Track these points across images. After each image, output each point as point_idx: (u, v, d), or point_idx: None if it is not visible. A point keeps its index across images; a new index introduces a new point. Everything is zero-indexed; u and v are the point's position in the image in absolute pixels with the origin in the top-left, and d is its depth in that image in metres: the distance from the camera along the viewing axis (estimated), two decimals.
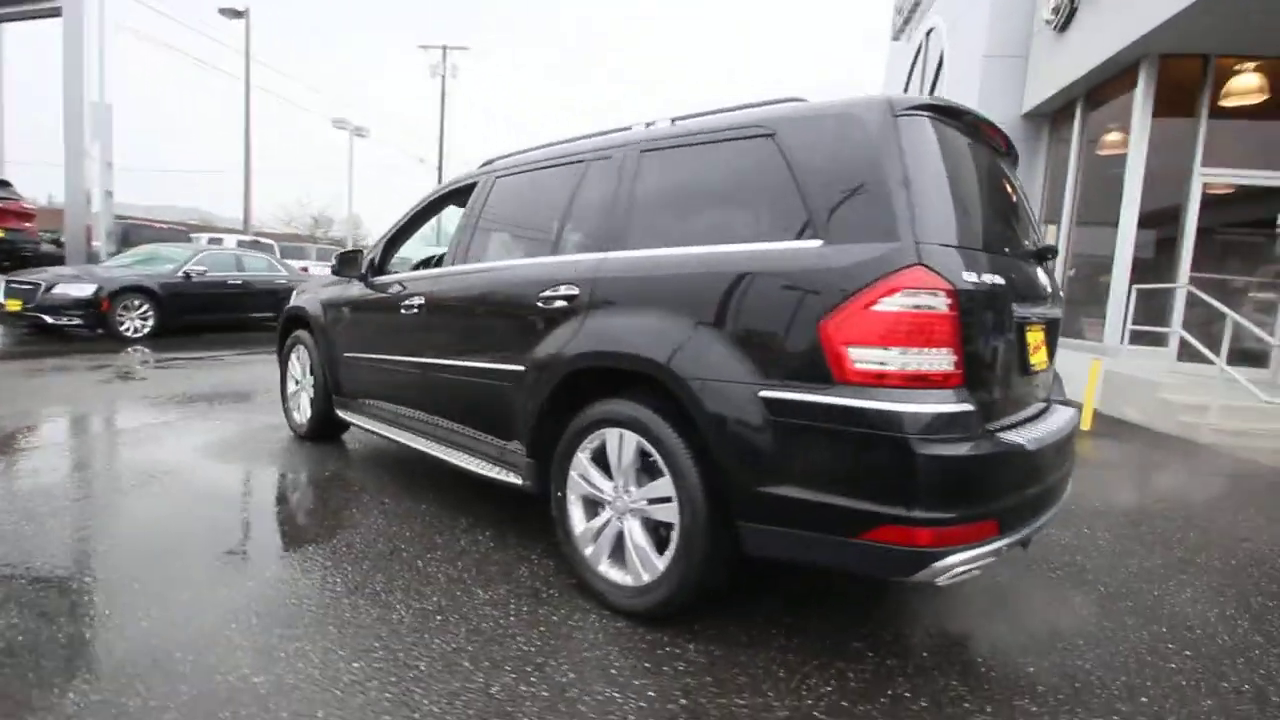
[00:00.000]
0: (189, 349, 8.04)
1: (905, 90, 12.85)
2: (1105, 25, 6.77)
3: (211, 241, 14.54)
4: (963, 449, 1.58)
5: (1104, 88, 7.29)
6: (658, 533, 2.07)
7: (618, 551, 2.18)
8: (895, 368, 1.61)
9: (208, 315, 9.83)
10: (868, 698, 1.77)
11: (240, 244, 14.49)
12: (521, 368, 2.46)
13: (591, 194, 2.47)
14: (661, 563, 2.01)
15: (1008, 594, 2.46)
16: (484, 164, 3.23)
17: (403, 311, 3.14)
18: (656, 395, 2.06)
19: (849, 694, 1.78)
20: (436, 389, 2.97)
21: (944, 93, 10.00)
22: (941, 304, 1.60)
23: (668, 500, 2.00)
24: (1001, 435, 1.72)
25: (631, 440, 2.09)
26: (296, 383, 4.22)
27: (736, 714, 1.67)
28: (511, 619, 2.08)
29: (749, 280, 1.86)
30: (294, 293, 4.48)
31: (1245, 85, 6.92)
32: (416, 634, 1.96)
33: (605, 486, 2.20)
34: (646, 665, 1.87)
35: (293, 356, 4.22)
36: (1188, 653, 2.09)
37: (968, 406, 1.62)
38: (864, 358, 1.62)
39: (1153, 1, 6.02)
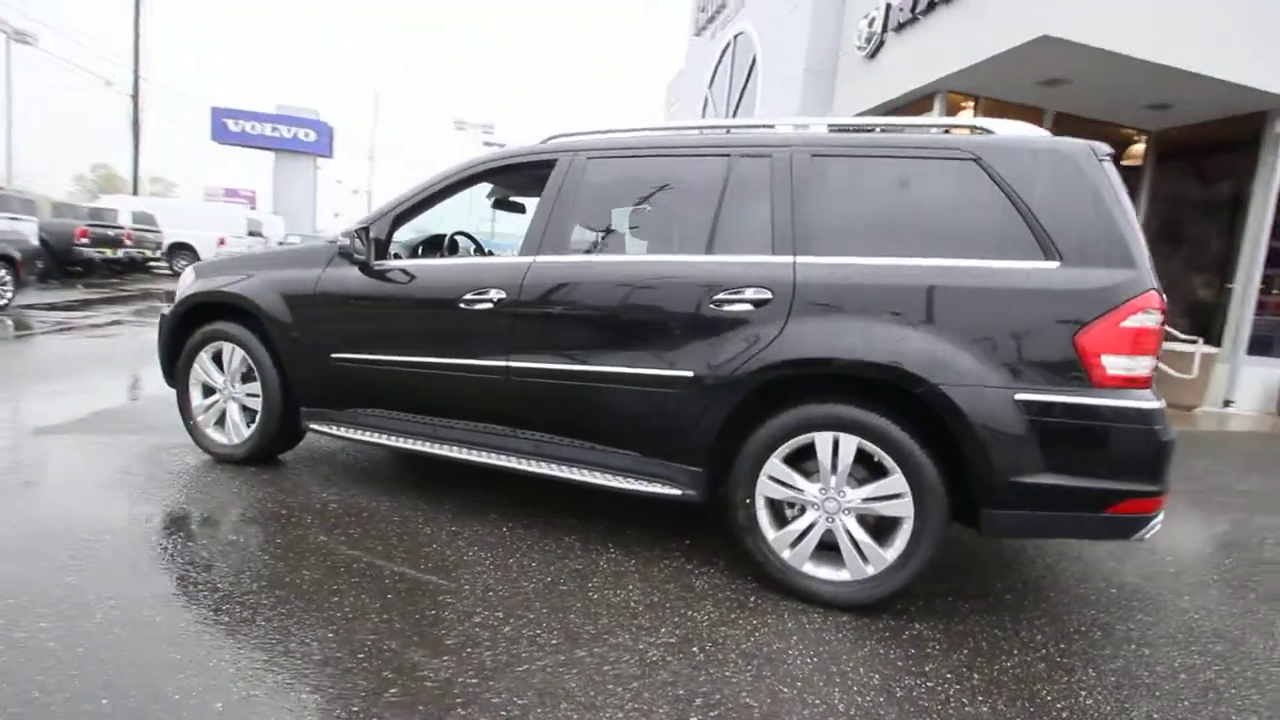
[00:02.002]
0: None
1: (711, 84, 13.92)
2: (908, 62, 8.24)
3: None
4: (1172, 434, 2.02)
5: (902, 110, 8.89)
6: (874, 528, 2.20)
7: (823, 550, 2.25)
8: (1132, 372, 1.97)
9: None
10: (1067, 637, 2.17)
11: None
12: (689, 373, 2.33)
13: (749, 192, 2.40)
14: (891, 554, 2.15)
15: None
16: (549, 139, 2.85)
17: (463, 307, 2.66)
18: (875, 398, 2.16)
19: (1060, 636, 2.16)
20: (525, 398, 2.60)
21: (763, 96, 11.13)
22: (1157, 320, 2.00)
23: (895, 497, 2.13)
24: None
25: (850, 442, 2.16)
26: (213, 393, 3.25)
27: (1016, 674, 1.93)
28: (756, 635, 2.03)
29: (992, 295, 2.06)
30: (189, 272, 3.38)
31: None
32: (699, 671, 1.82)
33: (808, 489, 2.23)
34: (913, 651, 2.01)
35: (202, 358, 3.23)
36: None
37: (1163, 400, 2.07)
38: (1114, 364, 1.96)
39: (942, 55, 7.56)
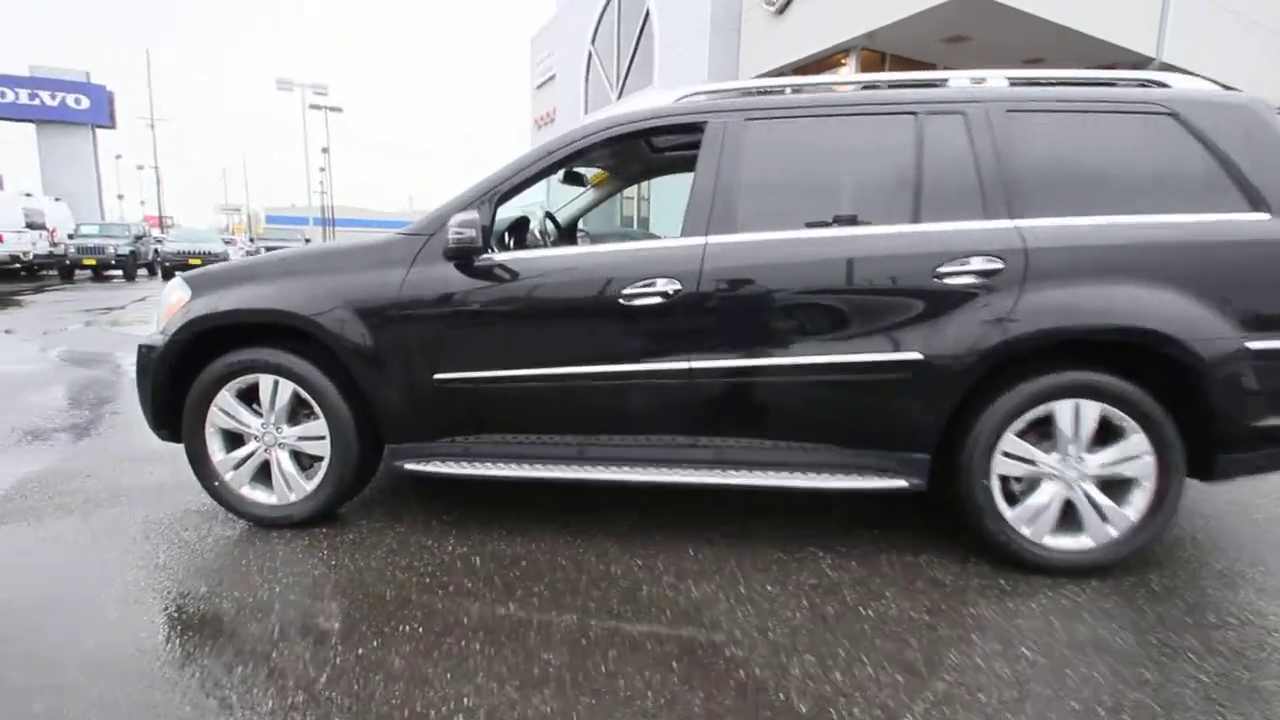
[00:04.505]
0: None
1: (594, 40, 13.31)
2: (822, 20, 8.40)
3: None
4: None
5: (813, 66, 9.09)
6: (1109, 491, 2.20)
7: (1064, 520, 2.21)
8: None
9: None
10: (1233, 554, 2.35)
11: None
12: (916, 355, 2.14)
13: (948, 152, 2.22)
14: (1134, 514, 2.17)
15: None
16: (683, 97, 2.45)
17: (622, 303, 2.23)
18: (1100, 361, 2.14)
19: (1229, 555, 2.33)
20: (712, 402, 2.27)
21: (663, 52, 10.82)
22: None
23: (1135, 458, 2.14)
24: None
25: (1092, 409, 2.12)
26: (240, 441, 2.51)
27: (1242, 602, 2.05)
28: (1054, 622, 1.95)
29: (1216, 248, 2.08)
30: (179, 287, 2.53)
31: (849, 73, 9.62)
32: (1055, 673, 1.70)
33: (1045, 460, 2.18)
34: (1167, 601, 2.06)
35: (223, 398, 2.46)
36: None
37: None
38: None
39: (862, 13, 7.81)
